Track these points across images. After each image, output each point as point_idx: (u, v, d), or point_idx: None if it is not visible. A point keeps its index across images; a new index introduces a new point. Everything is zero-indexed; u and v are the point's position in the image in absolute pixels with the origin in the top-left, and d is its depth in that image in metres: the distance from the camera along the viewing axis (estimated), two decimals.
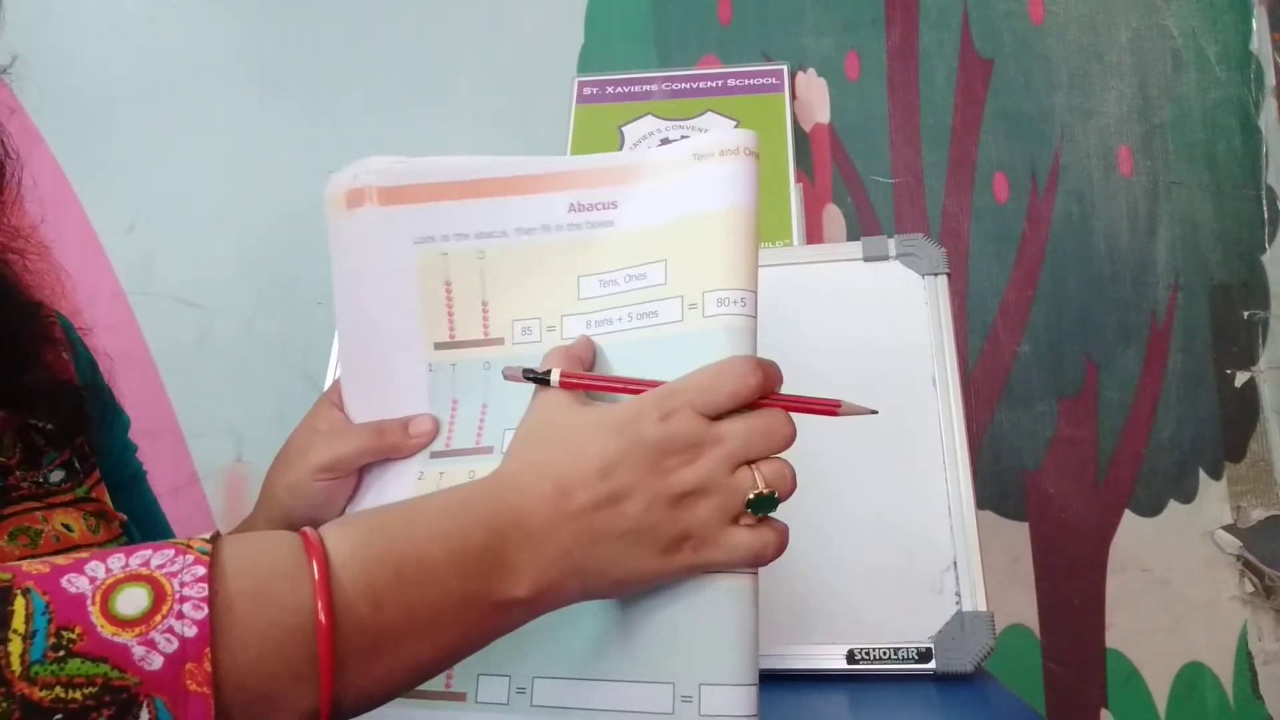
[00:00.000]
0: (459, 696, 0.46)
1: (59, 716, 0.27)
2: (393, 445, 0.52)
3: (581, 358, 0.46)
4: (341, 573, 0.33)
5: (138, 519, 0.60)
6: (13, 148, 0.54)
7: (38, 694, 0.27)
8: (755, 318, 0.45)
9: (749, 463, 0.42)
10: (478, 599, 0.37)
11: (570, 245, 0.50)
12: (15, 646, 0.27)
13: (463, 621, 0.37)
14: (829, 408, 0.44)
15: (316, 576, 0.33)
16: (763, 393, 0.43)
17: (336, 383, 0.56)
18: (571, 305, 0.49)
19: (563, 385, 0.43)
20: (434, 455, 0.52)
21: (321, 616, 0.32)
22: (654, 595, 0.43)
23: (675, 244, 0.47)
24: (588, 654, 0.44)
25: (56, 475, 0.53)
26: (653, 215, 0.48)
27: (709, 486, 0.41)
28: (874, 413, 0.46)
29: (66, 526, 0.51)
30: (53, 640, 0.28)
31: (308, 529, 0.35)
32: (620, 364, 0.46)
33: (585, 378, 0.44)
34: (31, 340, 0.54)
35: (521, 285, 0.51)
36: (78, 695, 0.28)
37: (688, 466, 0.40)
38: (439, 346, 0.52)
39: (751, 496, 0.41)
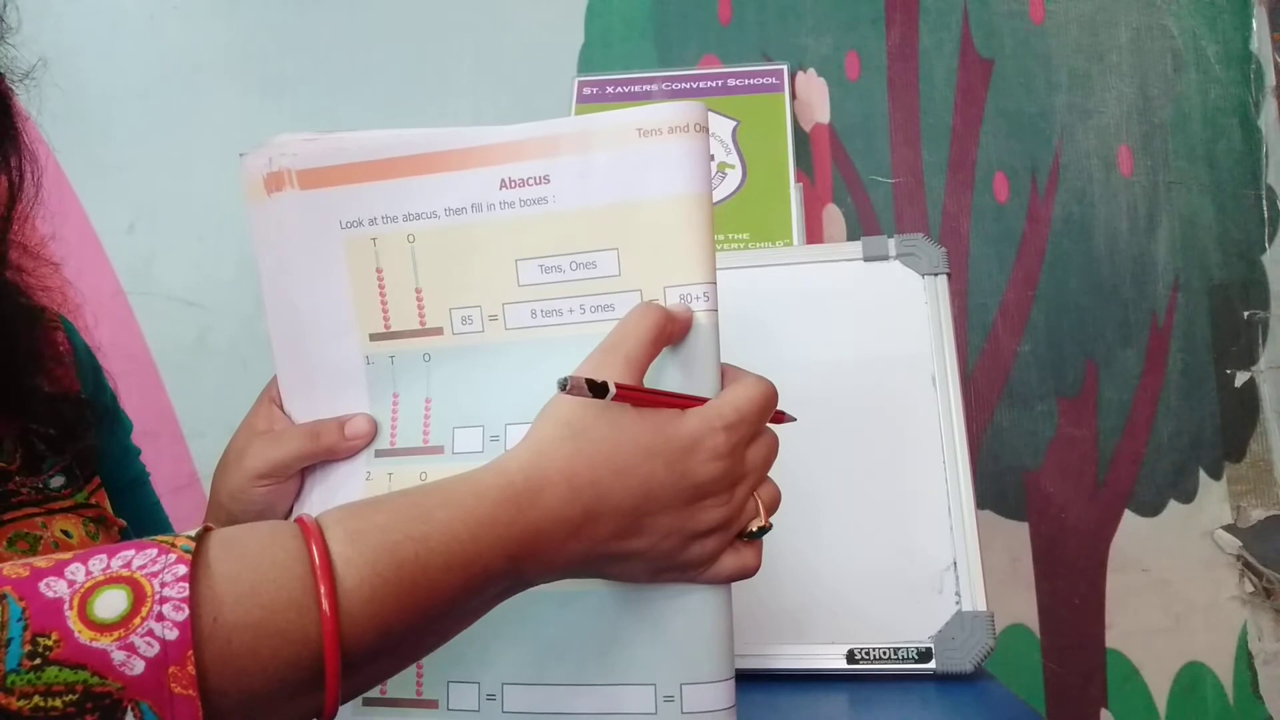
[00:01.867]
0: (430, 704, 0.45)
1: None
2: (329, 448, 0.50)
3: (649, 350, 0.41)
4: (350, 601, 0.32)
5: (139, 524, 0.59)
6: (28, 148, 0.52)
7: (16, 704, 0.27)
8: (717, 310, 0.44)
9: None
10: (483, 606, 0.38)
11: (504, 226, 0.46)
12: None
13: (464, 624, 0.38)
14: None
15: (326, 611, 0.31)
16: None
17: (275, 379, 0.53)
18: (512, 292, 0.47)
19: (619, 399, 0.39)
20: (380, 454, 0.51)
21: (327, 649, 0.32)
22: (632, 601, 0.43)
23: (626, 231, 0.44)
24: (560, 659, 0.44)
25: (57, 481, 0.52)
26: (593, 193, 0.45)
27: (728, 523, 0.41)
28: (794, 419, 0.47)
29: (65, 533, 0.50)
30: (28, 648, 0.27)
31: (314, 539, 0.33)
32: (572, 359, 0.42)
33: (640, 393, 0.40)
34: (33, 345, 0.53)
35: (456, 271, 0.48)
36: (58, 703, 0.27)
37: (719, 507, 0.41)
38: (375, 338, 0.50)
39: (754, 529, 0.42)
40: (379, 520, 0.35)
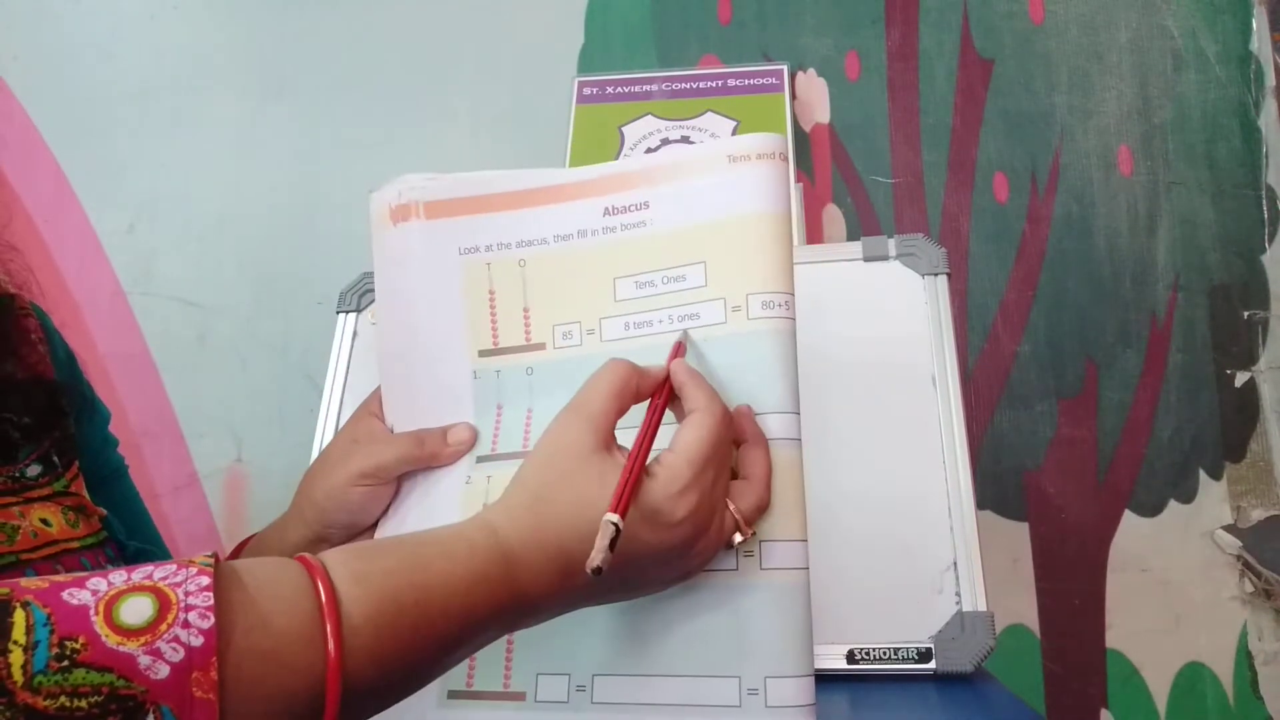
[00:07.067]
0: (518, 696, 0.47)
1: None
2: (432, 454, 0.53)
3: (612, 407, 0.43)
4: (355, 640, 0.33)
5: (121, 514, 0.59)
6: None
7: (42, 703, 0.27)
8: (794, 320, 0.47)
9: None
10: (469, 652, 0.39)
11: (606, 248, 0.51)
12: (16, 658, 0.27)
13: (448, 668, 0.39)
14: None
15: (332, 648, 0.32)
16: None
17: (375, 393, 0.56)
18: (609, 308, 0.50)
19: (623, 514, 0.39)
20: (481, 459, 0.53)
21: (330, 684, 0.32)
22: (719, 598, 0.44)
23: (713, 246, 0.48)
24: (648, 652, 0.45)
25: (33, 470, 0.51)
26: (686, 215, 0.49)
27: (706, 555, 0.43)
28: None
29: (44, 521, 0.50)
30: (55, 651, 0.28)
31: (319, 576, 0.34)
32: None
33: (621, 494, 0.39)
34: (5, 333, 0.53)
35: (560, 291, 0.52)
36: (83, 704, 0.28)
37: (694, 558, 0.42)
38: (483, 354, 0.53)
39: (736, 542, 0.43)
40: (382, 564, 0.36)
